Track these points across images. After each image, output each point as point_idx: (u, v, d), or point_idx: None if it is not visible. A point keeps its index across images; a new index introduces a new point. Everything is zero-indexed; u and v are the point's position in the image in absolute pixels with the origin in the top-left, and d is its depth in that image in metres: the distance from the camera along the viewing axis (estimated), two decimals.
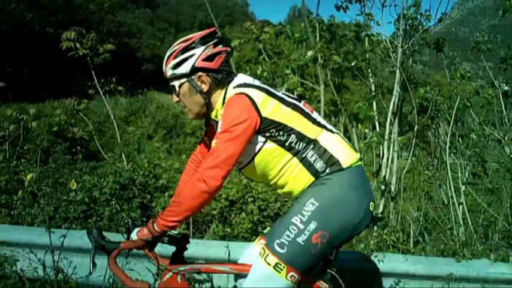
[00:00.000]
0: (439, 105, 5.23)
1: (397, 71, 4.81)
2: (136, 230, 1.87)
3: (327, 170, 1.83)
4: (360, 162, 1.91)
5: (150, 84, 25.59)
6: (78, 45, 5.17)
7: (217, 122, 1.86)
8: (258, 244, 2.05)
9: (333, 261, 1.98)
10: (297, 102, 1.91)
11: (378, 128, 5.16)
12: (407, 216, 4.60)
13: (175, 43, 1.92)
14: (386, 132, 4.82)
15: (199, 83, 1.89)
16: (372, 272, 2.98)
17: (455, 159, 5.03)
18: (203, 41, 1.88)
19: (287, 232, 1.79)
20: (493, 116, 5.33)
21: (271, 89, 1.91)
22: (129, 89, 18.57)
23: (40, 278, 2.76)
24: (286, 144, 1.83)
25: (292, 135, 1.83)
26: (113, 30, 26.67)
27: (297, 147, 1.83)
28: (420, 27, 4.90)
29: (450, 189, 4.68)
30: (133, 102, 23.11)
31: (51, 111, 9.95)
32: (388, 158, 4.81)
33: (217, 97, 1.92)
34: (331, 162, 1.83)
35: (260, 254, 1.83)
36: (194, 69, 1.87)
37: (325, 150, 1.84)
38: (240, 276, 2.03)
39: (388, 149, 4.83)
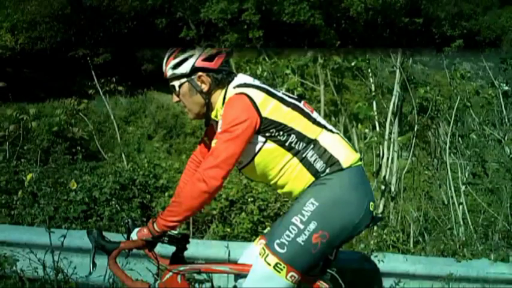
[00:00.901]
0: (439, 105, 5.23)
1: (397, 71, 4.82)
2: (136, 230, 1.87)
3: (327, 170, 1.82)
4: (360, 162, 1.91)
5: (150, 84, 25.47)
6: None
7: (217, 122, 1.86)
8: (258, 244, 2.05)
9: (333, 261, 1.98)
10: (297, 102, 1.91)
11: (378, 128, 5.17)
12: (407, 216, 4.59)
13: None
14: (386, 132, 4.83)
15: (199, 83, 1.89)
16: (372, 272, 2.97)
17: (455, 159, 5.02)
18: None
19: (287, 232, 1.79)
20: (493, 116, 5.33)
21: (271, 89, 1.91)
22: (129, 89, 18.53)
23: (40, 278, 2.75)
24: (286, 144, 1.83)
25: (292, 135, 1.83)
26: None
27: (297, 147, 1.83)
28: None
29: (450, 189, 4.67)
30: (133, 102, 23.00)
31: (51, 111, 9.93)
32: (388, 158, 4.82)
33: (217, 97, 1.91)
34: (331, 162, 1.83)
35: (260, 254, 1.83)
36: (194, 69, 1.87)
37: (325, 150, 1.84)
38: (240, 276, 2.03)
39: (388, 149, 4.84)
